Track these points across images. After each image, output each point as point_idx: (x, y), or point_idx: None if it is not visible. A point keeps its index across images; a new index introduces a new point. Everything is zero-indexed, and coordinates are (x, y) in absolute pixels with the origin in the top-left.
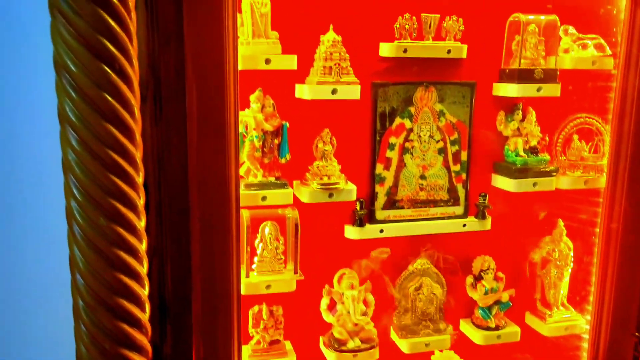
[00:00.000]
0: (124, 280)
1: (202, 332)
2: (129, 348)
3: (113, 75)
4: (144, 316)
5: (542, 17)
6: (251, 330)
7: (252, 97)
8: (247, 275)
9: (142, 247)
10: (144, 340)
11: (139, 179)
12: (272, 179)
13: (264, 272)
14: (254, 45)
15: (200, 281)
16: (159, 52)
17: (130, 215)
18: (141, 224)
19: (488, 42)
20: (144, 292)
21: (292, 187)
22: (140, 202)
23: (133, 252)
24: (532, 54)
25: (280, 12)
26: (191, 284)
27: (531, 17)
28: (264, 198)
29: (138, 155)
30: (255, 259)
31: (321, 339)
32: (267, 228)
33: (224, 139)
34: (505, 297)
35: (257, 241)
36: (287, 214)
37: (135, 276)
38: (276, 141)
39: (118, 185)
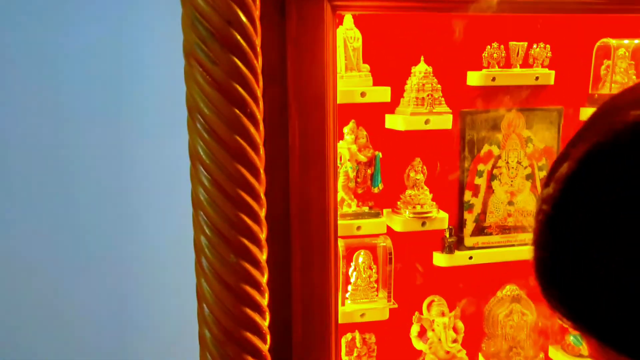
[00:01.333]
0: (249, 314)
1: (302, 359)
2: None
3: (244, 118)
4: (265, 348)
5: (633, 40)
6: (344, 359)
7: (346, 129)
8: (343, 304)
9: (264, 280)
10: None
11: (262, 214)
12: (366, 209)
13: (358, 301)
14: (347, 79)
15: (301, 310)
16: (264, 91)
17: (255, 250)
18: (263, 257)
19: (575, 68)
20: (265, 324)
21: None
22: (263, 236)
23: (258, 286)
24: (622, 78)
25: (369, 45)
26: (291, 313)
27: (621, 41)
28: (358, 228)
29: (262, 191)
30: (349, 287)
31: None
32: (361, 257)
33: (324, 171)
34: None
35: (350, 270)
36: (380, 243)
37: (260, 310)
38: (369, 171)
39: (246, 222)
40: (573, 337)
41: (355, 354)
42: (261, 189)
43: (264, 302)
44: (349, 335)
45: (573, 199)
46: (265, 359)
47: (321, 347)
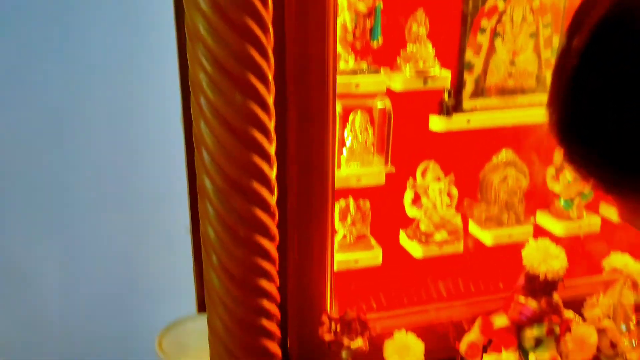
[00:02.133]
0: (256, 161)
1: (297, 224)
2: (260, 233)
3: None
4: (272, 200)
5: None
6: (337, 225)
7: None
8: (339, 167)
9: (271, 124)
10: (272, 225)
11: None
12: (364, 65)
13: (353, 165)
14: None
15: (297, 173)
16: None
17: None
18: (270, 100)
19: None
20: (272, 173)
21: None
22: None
23: (265, 132)
24: None
25: None
26: (285, 176)
27: None
28: (357, 85)
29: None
30: (344, 150)
31: (402, 233)
32: (357, 118)
33: (323, 24)
34: (587, 187)
35: (346, 132)
36: (378, 103)
37: (266, 157)
38: (368, 24)
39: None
40: (564, 201)
41: (349, 221)
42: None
43: (271, 149)
44: (342, 202)
45: (603, 49)
46: (271, 209)
47: (317, 211)
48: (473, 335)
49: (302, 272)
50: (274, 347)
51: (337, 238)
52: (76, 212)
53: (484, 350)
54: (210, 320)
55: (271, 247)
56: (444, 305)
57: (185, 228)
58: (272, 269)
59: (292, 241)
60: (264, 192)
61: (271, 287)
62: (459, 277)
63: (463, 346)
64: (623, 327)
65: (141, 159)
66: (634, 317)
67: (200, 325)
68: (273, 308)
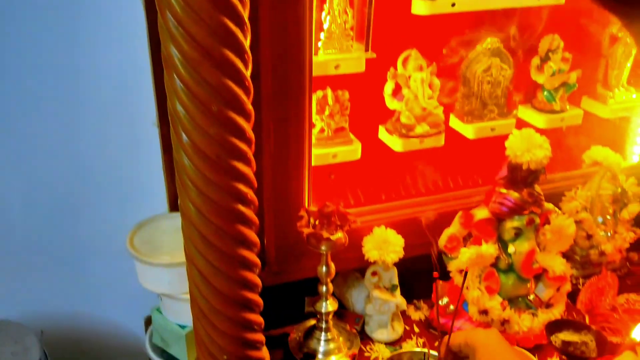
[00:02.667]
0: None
1: (272, 114)
2: (235, 109)
3: None
4: (247, 72)
5: None
6: (315, 118)
7: None
8: (316, 54)
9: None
10: (247, 102)
11: None
12: None
13: (331, 50)
14: None
15: (271, 58)
16: None
17: None
18: None
19: None
20: (247, 42)
21: None
22: None
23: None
24: None
25: None
26: (260, 60)
27: None
28: None
29: None
30: (322, 35)
31: (381, 128)
32: None
33: None
34: (572, 78)
35: (323, 14)
36: None
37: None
38: None
39: None
40: (547, 92)
41: (327, 113)
42: None
43: (244, 15)
44: (319, 93)
45: None
46: (245, 82)
47: (293, 100)
48: (453, 229)
49: (278, 165)
50: (251, 235)
51: (315, 131)
52: (35, 110)
53: (464, 243)
54: (182, 206)
55: (246, 126)
56: (424, 200)
57: (153, 122)
58: (248, 151)
59: (267, 132)
60: (238, 63)
61: (247, 170)
62: (440, 171)
63: (443, 239)
64: (599, 219)
65: (101, 48)
66: (610, 209)
67: (173, 223)
68: (250, 193)
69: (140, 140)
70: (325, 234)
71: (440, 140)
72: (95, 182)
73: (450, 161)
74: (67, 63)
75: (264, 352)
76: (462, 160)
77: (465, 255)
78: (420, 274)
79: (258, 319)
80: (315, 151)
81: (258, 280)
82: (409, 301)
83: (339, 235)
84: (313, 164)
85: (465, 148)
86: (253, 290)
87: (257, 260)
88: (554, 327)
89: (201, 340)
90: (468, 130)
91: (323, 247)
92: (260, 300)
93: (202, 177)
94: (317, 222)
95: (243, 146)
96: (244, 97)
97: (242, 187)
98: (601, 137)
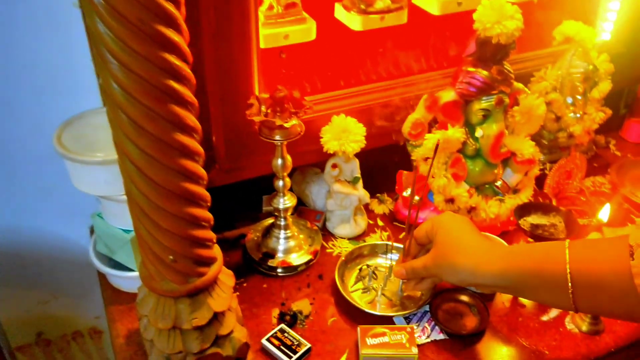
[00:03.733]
0: None
1: None
2: None
3: None
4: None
5: None
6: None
7: None
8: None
9: None
10: None
11: None
12: None
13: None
14: None
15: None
16: None
17: None
18: None
19: None
20: None
21: None
22: None
23: None
24: None
25: None
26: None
27: None
28: None
29: None
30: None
31: (337, 5)
32: None
33: None
34: None
35: None
36: None
37: None
38: None
39: None
40: None
41: None
42: None
43: None
44: None
45: None
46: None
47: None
48: (417, 114)
49: (221, 47)
50: (189, 117)
51: (263, 8)
52: None
53: (429, 130)
54: (103, 85)
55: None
56: (386, 84)
57: (74, 3)
58: (178, 16)
59: (206, 9)
60: None
61: (178, 39)
62: (403, 53)
63: (406, 126)
64: (569, 100)
65: None
66: (581, 88)
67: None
68: (185, 68)
69: (60, 23)
70: (278, 122)
71: (402, 17)
72: (13, 76)
73: (414, 41)
74: None
75: (215, 250)
76: (427, 39)
77: (430, 141)
78: (384, 166)
79: (205, 214)
80: (263, 31)
81: (201, 171)
82: (373, 194)
83: (293, 122)
84: (262, 46)
85: (431, 26)
86: (196, 182)
87: (199, 148)
88: (522, 210)
89: (144, 242)
90: (433, 5)
91: (277, 137)
92: (206, 194)
93: (122, 47)
94: (269, 110)
95: (170, 8)
96: None
97: (173, 59)
98: (574, 12)
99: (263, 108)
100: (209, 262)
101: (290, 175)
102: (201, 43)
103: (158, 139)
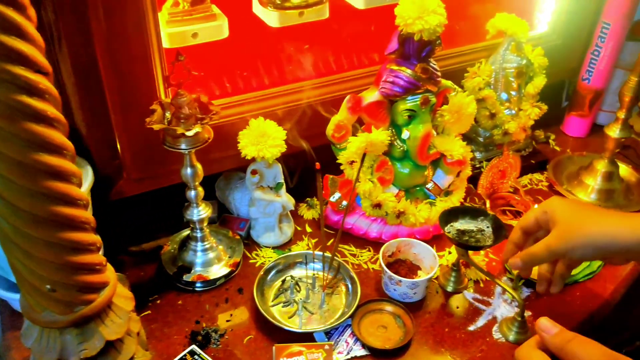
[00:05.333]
0: None
1: None
2: None
3: None
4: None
5: None
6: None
7: None
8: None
9: None
10: None
11: None
12: None
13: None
14: None
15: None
16: None
17: None
18: None
19: None
20: None
21: None
22: None
23: None
24: None
25: None
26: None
27: None
28: None
29: None
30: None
31: (254, 0)
32: None
33: None
34: None
35: None
36: None
37: None
38: None
39: None
40: None
41: None
42: None
43: None
44: None
45: None
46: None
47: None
48: (340, 115)
49: (117, 49)
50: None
51: (168, 4)
52: None
53: (354, 132)
54: None
55: None
56: (308, 85)
57: None
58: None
59: (94, 8)
60: None
61: (26, 49)
62: (325, 51)
63: (330, 128)
64: (504, 96)
65: None
66: (515, 83)
67: None
68: (42, 82)
69: None
70: (179, 130)
71: (323, 12)
72: None
73: (336, 38)
74: None
75: (108, 273)
76: (351, 36)
77: (354, 144)
78: (312, 169)
79: (88, 237)
80: (168, 29)
81: (76, 191)
82: (301, 199)
83: (197, 129)
84: (168, 45)
85: (354, 21)
86: (71, 204)
87: (71, 167)
88: (449, 216)
89: (17, 271)
90: None
91: (183, 146)
92: (86, 216)
93: None
94: (173, 117)
95: (10, 13)
96: None
97: (22, 71)
98: (510, 3)
99: (168, 114)
100: (98, 287)
101: (215, 179)
102: (92, 45)
103: (15, 160)
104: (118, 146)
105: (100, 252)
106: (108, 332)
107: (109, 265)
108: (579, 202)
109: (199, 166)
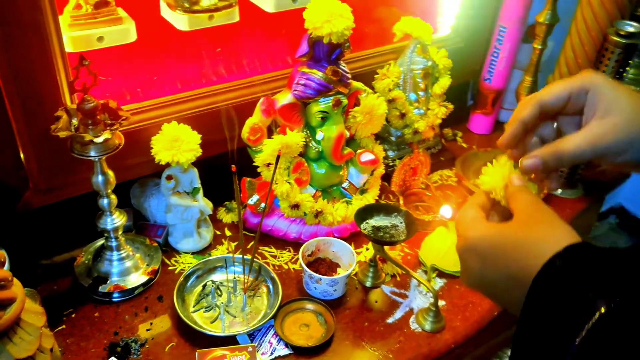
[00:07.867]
0: None
1: None
2: None
3: None
4: None
5: None
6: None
7: None
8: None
9: None
10: None
11: None
12: None
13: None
14: None
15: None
16: None
17: None
18: None
19: None
20: None
21: None
22: None
23: None
24: None
25: None
26: None
27: None
28: None
29: None
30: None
31: (162, 2)
32: None
33: None
34: None
35: None
36: None
37: None
38: None
39: None
40: None
41: None
42: None
43: None
44: None
45: None
46: None
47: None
48: (255, 118)
49: (15, 54)
50: None
51: (69, 7)
52: None
53: (269, 134)
54: None
55: None
56: (220, 88)
57: None
58: None
59: None
60: None
61: None
62: (237, 54)
63: (245, 131)
64: (412, 97)
65: None
66: (422, 84)
67: None
68: None
69: None
70: (87, 137)
71: (233, 15)
72: None
73: (248, 41)
74: None
75: (16, 289)
76: (263, 39)
77: (269, 146)
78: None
79: None
80: (71, 33)
81: None
82: (220, 203)
83: (106, 136)
84: (72, 50)
85: (266, 24)
86: None
87: None
88: (365, 213)
89: None
90: (267, 2)
91: (92, 153)
92: None
93: None
94: (80, 124)
95: None
96: None
97: None
98: (414, 8)
99: (75, 121)
100: (3, 304)
101: (130, 186)
102: None
103: None
104: (22, 156)
105: (6, 267)
106: (17, 351)
107: (15, 281)
108: (627, 86)
109: (110, 173)
